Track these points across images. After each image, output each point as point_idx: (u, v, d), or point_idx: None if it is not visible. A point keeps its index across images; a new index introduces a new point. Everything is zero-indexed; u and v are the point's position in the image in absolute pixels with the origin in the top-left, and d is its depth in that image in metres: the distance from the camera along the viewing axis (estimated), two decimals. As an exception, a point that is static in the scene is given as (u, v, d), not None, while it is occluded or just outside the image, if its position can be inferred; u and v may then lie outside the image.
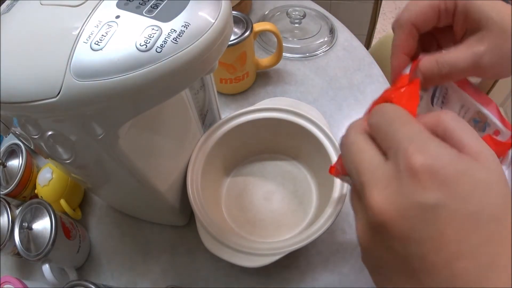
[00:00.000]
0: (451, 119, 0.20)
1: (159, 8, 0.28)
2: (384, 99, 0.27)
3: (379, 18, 1.42)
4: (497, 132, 0.30)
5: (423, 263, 0.17)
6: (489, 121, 0.31)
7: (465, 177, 0.17)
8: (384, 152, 0.21)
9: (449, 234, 0.17)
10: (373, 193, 0.19)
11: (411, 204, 0.18)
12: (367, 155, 0.21)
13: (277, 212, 0.53)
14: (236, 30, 0.61)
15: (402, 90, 0.26)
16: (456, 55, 0.27)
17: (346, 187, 0.45)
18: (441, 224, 0.17)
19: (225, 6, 0.31)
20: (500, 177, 0.18)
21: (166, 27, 0.27)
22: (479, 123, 0.31)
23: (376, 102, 0.28)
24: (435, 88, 0.31)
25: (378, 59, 0.73)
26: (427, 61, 0.28)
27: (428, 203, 0.17)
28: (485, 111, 0.31)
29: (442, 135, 0.20)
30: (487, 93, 1.60)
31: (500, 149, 0.28)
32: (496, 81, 1.53)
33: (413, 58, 0.31)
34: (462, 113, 0.32)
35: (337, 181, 0.46)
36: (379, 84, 0.68)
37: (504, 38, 0.26)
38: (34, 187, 0.56)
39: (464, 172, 0.18)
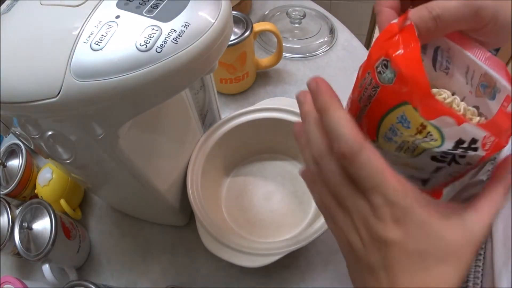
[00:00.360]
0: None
1: (159, 8, 0.28)
2: (376, 56, 0.24)
3: (379, 18, 1.42)
4: (509, 98, 0.26)
5: (386, 269, 0.23)
6: (498, 84, 0.26)
7: (423, 229, 0.22)
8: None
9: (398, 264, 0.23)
10: (357, 215, 0.24)
11: (376, 237, 0.23)
12: (346, 189, 0.24)
13: (277, 212, 0.53)
14: (236, 30, 0.61)
15: (396, 38, 0.23)
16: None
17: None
18: (393, 255, 0.23)
19: (225, 6, 0.31)
20: (467, 239, 0.22)
21: (166, 27, 0.27)
22: (487, 89, 0.27)
23: (367, 65, 0.25)
24: (436, 52, 0.28)
25: (378, 59, 0.73)
26: (417, 9, 0.25)
27: (385, 237, 0.23)
28: (492, 72, 0.27)
29: None
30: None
31: None
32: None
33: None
34: (469, 78, 0.27)
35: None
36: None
37: None
38: (34, 187, 0.56)
39: (424, 224, 0.22)
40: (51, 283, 0.46)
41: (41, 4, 0.31)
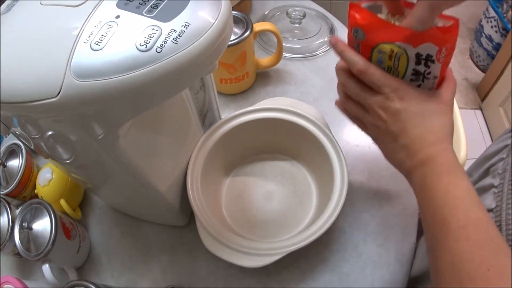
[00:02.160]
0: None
1: (159, 8, 0.29)
2: (349, 29, 0.40)
3: (379, 18, 1.42)
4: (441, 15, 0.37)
5: (404, 130, 0.36)
6: None
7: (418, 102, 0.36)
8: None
9: (408, 120, 0.36)
10: (375, 105, 0.38)
11: (391, 111, 0.37)
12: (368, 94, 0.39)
13: (277, 212, 0.53)
14: (236, 30, 0.61)
15: (351, 14, 0.39)
16: None
17: (346, 187, 0.45)
18: (405, 118, 0.36)
19: (225, 6, 0.31)
20: (445, 107, 0.37)
21: (166, 27, 0.27)
22: None
23: (348, 38, 0.41)
24: None
25: (378, 59, 0.73)
26: None
27: (396, 108, 0.37)
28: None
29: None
30: (487, 93, 1.60)
31: (449, 34, 0.34)
32: (496, 82, 1.53)
33: None
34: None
35: (337, 182, 0.46)
36: (379, 84, 0.68)
37: None
38: (34, 187, 0.56)
39: (420, 100, 0.37)
40: (51, 283, 0.46)
41: (41, 4, 0.31)
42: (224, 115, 0.54)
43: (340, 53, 0.40)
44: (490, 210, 0.37)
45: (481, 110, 1.67)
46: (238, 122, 0.52)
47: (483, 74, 1.72)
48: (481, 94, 1.68)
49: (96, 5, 0.29)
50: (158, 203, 0.47)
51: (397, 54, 0.36)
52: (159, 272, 0.51)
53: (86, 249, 0.53)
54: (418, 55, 0.36)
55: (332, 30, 0.77)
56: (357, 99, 0.40)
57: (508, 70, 1.41)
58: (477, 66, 1.81)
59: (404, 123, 0.36)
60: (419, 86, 0.38)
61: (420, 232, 0.53)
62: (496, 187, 0.38)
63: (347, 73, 0.40)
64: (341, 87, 0.41)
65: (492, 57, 1.66)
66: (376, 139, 0.41)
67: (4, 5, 0.33)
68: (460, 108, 0.65)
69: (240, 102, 0.68)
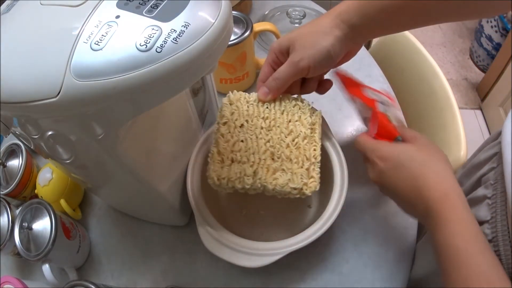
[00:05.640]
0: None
1: (159, 8, 0.29)
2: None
3: (379, 18, 1.42)
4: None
5: (391, 183, 0.40)
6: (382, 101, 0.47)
7: (394, 154, 0.40)
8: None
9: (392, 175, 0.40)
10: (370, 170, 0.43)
11: (378, 172, 0.41)
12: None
13: (277, 211, 0.53)
14: (236, 30, 0.61)
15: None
16: (282, 70, 0.44)
17: (346, 187, 0.45)
18: (385, 175, 0.40)
19: (225, 6, 0.31)
20: (420, 150, 0.39)
21: (166, 27, 0.27)
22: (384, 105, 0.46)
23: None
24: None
25: (378, 59, 0.73)
26: (269, 80, 0.46)
27: (381, 169, 0.40)
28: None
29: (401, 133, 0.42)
30: (487, 93, 1.60)
31: (389, 133, 0.42)
32: (496, 82, 1.53)
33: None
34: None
35: (337, 182, 0.46)
36: (379, 84, 0.68)
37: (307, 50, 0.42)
38: (34, 187, 0.56)
39: (394, 151, 0.40)
40: (51, 283, 0.46)
41: (41, 4, 0.31)
42: (224, 115, 0.53)
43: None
44: (485, 222, 0.37)
45: (481, 110, 1.67)
46: (238, 122, 0.51)
47: (483, 74, 1.73)
48: (481, 94, 1.68)
49: (96, 5, 0.29)
50: (158, 203, 0.47)
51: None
52: (159, 272, 0.51)
53: (86, 249, 0.53)
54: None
55: (332, 30, 0.76)
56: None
57: (508, 70, 1.41)
58: (477, 66, 1.82)
59: (389, 178, 0.39)
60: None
61: (420, 232, 0.53)
62: (489, 198, 0.38)
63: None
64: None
65: (492, 57, 1.66)
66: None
67: (4, 5, 0.33)
68: (460, 108, 0.65)
69: (240, 102, 0.68)
